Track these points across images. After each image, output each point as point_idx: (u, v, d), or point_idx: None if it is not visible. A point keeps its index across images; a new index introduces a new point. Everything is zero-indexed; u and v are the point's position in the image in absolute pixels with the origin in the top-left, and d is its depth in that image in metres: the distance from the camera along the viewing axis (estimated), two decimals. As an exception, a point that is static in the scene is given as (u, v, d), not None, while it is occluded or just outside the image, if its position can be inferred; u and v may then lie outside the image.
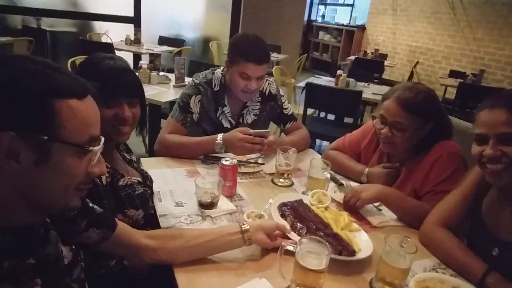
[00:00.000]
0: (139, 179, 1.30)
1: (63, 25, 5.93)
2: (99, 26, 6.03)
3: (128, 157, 1.36)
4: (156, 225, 1.22)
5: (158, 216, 1.26)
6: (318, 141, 4.30)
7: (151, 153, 3.09)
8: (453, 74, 6.80)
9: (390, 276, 0.98)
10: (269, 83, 1.93)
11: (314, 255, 0.93)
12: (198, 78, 1.83)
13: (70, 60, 3.39)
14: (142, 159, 1.65)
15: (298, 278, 0.94)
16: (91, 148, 0.67)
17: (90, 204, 0.94)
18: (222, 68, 1.85)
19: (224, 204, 1.34)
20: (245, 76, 1.68)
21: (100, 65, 1.13)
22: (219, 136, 1.66)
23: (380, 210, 1.42)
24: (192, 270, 1.01)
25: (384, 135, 1.47)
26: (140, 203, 1.21)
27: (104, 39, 5.68)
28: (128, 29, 5.65)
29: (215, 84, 1.81)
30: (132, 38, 5.42)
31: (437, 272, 1.13)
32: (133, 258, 1.05)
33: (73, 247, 0.80)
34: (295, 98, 4.95)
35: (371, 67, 6.07)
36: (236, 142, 1.61)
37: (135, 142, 3.74)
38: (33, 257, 0.67)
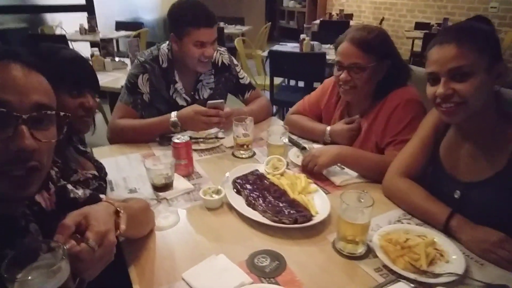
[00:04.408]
0: (95, 172, 1.22)
1: (11, 22, 5.60)
2: (51, 19, 5.73)
3: (82, 148, 1.29)
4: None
5: None
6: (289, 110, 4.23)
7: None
8: (418, 26, 6.76)
9: (351, 233, 0.95)
10: (220, 53, 1.84)
11: None
12: (143, 56, 1.72)
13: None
14: (94, 149, 1.56)
15: None
16: None
17: (72, 195, 0.88)
18: (167, 42, 1.75)
19: (181, 184, 1.28)
20: (199, 44, 1.60)
21: (59, 54, 1.09)
22: (173, 114, 1.57)
23: (343, 168, 1.38)
24: (143, 257, 0.95)
25: (343, 80, 1.40)
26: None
27: (58, 32, 5.40)
28: (82, 18, 5.37)
29: (162, 60, 1.71)
30: (87, 27, 5.17)
31: (402, 223, 1.10)
32: None
33: None
34: (264, 69, 4.84)
35: (338, 29, 5.92)
36: (193, 116, 1.53)
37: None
38: (10, 248, 0.63)
